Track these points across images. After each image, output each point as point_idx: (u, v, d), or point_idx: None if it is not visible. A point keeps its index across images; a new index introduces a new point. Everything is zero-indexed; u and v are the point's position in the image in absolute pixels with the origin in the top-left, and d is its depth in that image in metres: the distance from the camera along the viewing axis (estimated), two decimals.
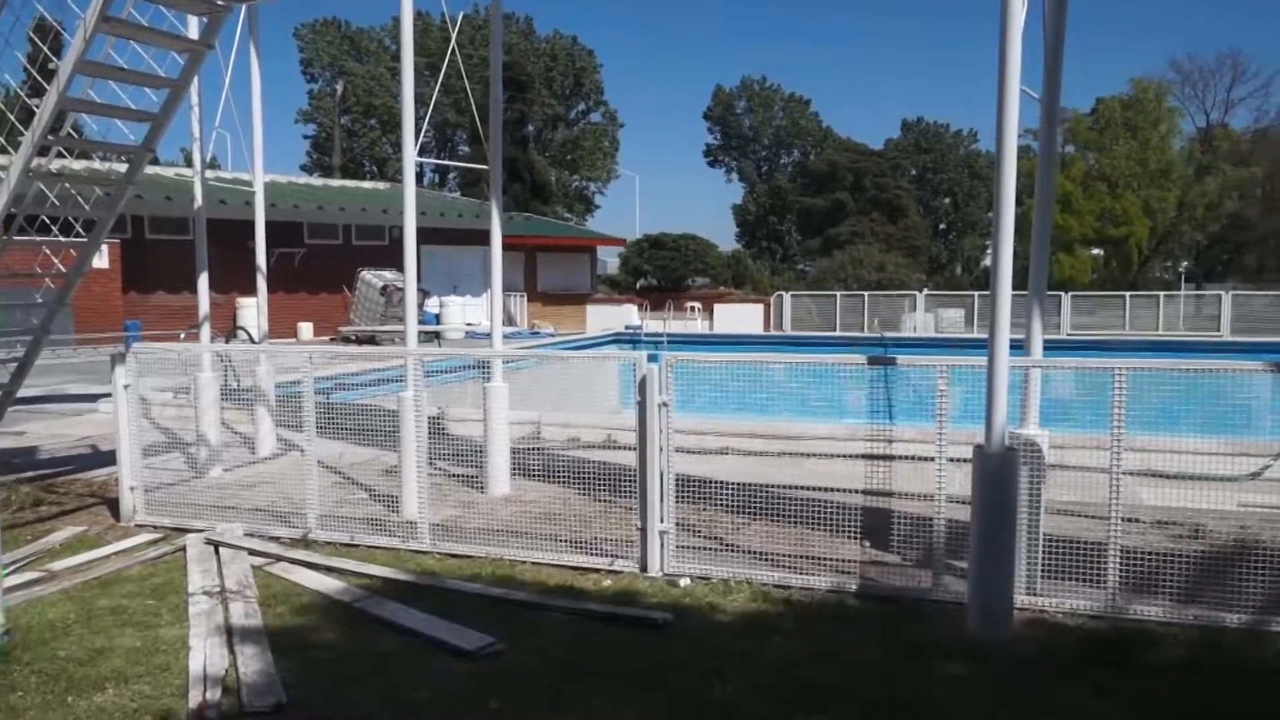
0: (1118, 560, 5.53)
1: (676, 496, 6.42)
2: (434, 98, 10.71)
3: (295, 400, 7.60)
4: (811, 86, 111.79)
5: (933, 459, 5.71)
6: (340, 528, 7.31)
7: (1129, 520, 7.12)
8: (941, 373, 5.58)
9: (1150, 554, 6.13)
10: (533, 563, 6.58)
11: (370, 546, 7.02)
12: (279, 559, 6.69)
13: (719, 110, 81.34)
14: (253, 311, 13.59)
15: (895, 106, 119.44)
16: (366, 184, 40.33)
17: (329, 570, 6.42)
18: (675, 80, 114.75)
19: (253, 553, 6.77)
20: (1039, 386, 5.79)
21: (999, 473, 5.03)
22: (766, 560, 6.43)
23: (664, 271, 40.13)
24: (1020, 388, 5.84)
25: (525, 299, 34.30)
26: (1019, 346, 5.82)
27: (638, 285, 41.94)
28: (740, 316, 33.48)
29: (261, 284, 10.48)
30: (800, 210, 71.87)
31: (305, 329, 27.92)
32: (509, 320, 31.58)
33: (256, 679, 4.60)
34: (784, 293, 34.56)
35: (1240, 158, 51.92)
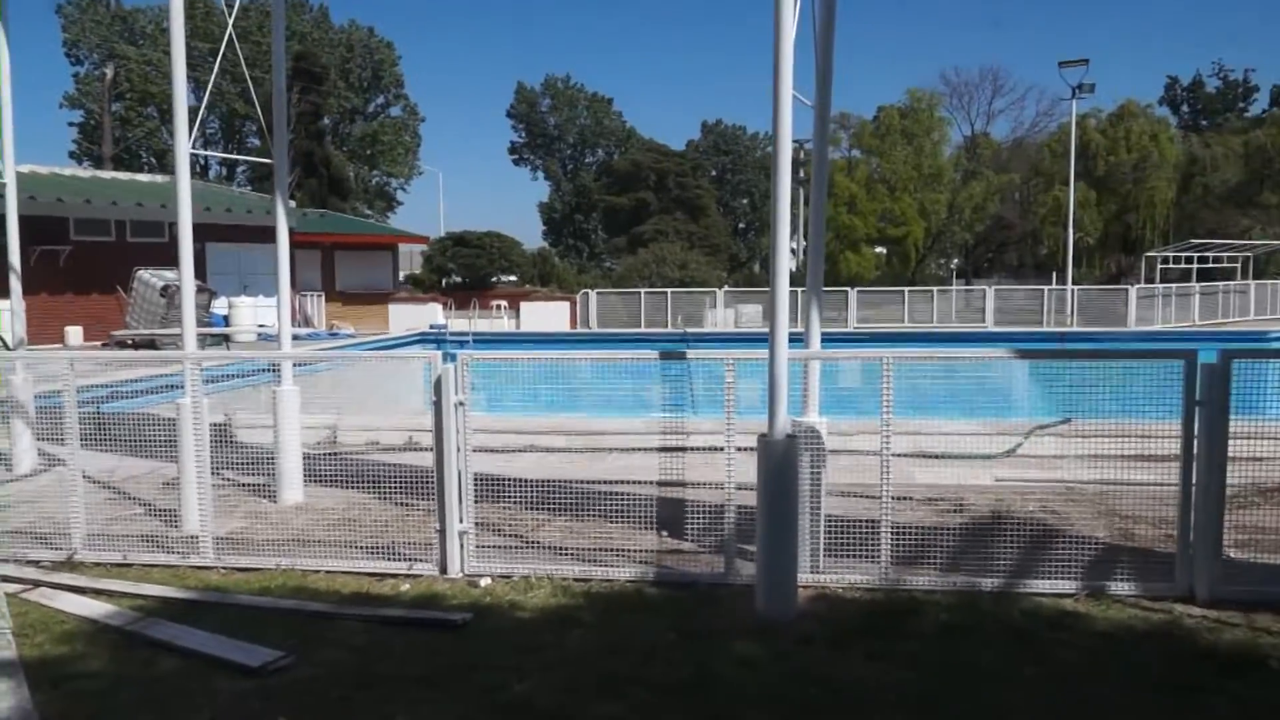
0: (890, 536, 5.96)
1: (477, 496, 6.39)
2: (210, 85, 10.10)
3: (58, 411, 6.99)
4: (614, 87, 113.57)
5: (724, 449, 5.96)
6: (111, 547, 6.79)
7: (902, 499, 7.71)
8: (729, 366, 5.83)
9: (919, 528, 6.66)
10: (327, 572, 6.36)
11: (147, 565, 6.57)
12: (38, 584, 6.14)
13: (523, 108, 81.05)
14: (7, 315, 12.37)
15: (695, 108, 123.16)
16: (143, 176, 37.45)
17: (98, 593, 5.96)
18: (479, 76, 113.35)
19: (5, 579, 6.18)
20: (818, 377, 6.15)
21: (781, 460, 5.31)
22: (568, 555, 6.50)
23: (469, 270, 39.58)
24: (802, 379, 6.19)
25: (323, 299, 32.90)
26: (800, 340, 6.18)
27: (443, 284, 41.17)
28: (547, 314, 33.57)
29: (15, 284, 9.56)
30: (605, 209, 72.73)
31: (74, 333, 25.64)
32: (305, 321, 30.22)
33: (10, 716, 4.21)
34: (590, 291, 34.90)
35: (1001, 164, 56.92)
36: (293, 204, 31.84)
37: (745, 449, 5.92)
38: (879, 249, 52.72)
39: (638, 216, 66.11)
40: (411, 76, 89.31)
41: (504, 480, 7.47)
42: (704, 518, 6.57)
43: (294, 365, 8.25)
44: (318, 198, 46.05)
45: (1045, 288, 34.27)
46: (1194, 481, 5.60)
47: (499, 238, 40.74)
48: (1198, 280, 35.98)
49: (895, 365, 5.85)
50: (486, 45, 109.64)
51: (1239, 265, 39.72)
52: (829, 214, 49.00)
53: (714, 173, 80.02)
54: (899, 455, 8.28)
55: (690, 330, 30.01)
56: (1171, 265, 39.01)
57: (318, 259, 34.34)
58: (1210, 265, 39.23)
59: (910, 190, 50.06)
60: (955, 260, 59.46)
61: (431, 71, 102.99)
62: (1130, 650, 4.97)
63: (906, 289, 35.08)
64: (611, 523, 6.90)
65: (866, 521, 6.07)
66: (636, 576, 6.13)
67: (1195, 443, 5.57)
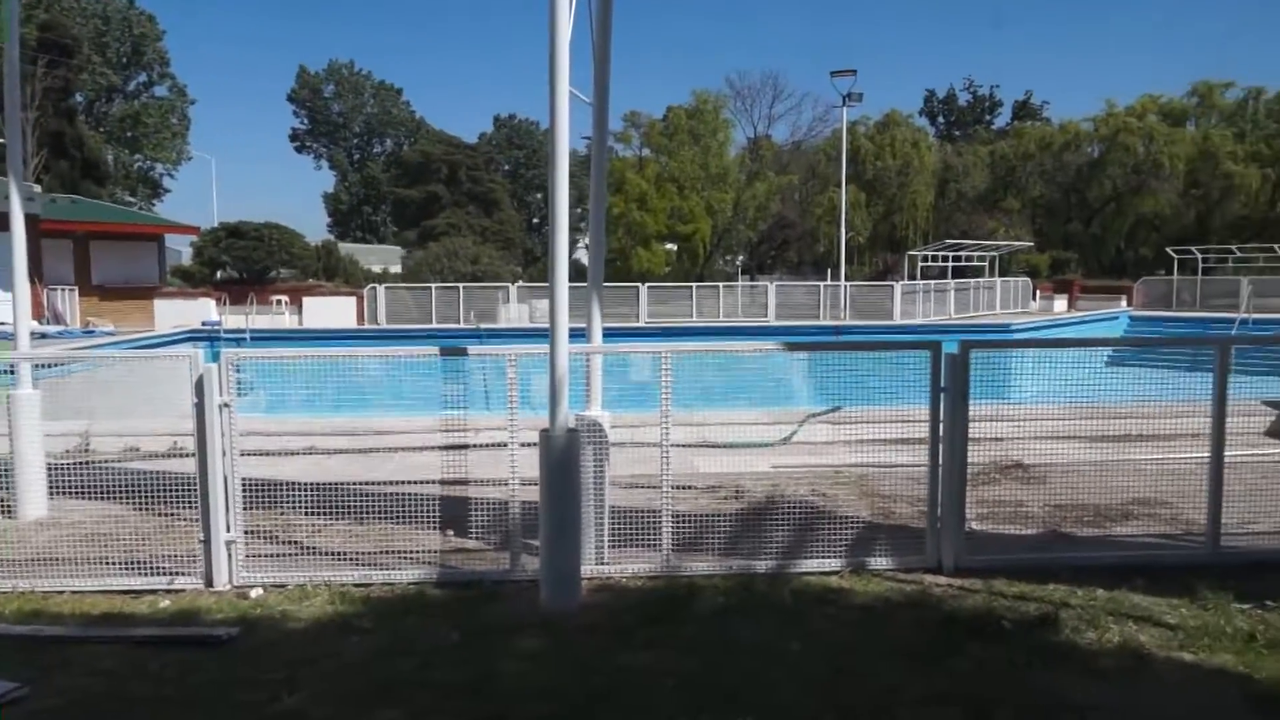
0: (671, 525, 6.14)
1: (248, 503, 6.05)
2: None
3: None
4: (403, 75, 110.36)
5: (508, 445, 5.92)
6: None
7: (684, 488, 7.97)
8: (510, 361, 5.80)
9: (700, 516, 6.90)
10: (74, 592, 5.82)
11: None
12: None
13: (305, 93, 77.32)
14: None
15: (488, 101, 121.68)
16: None
17: None
18: (256, 58, 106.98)
19: None
20: (600, 371, 6.23)
21: (563, 454, 5.35)
22: (348, 560, 6.27)
23: (245, 263, 37.19)
24: (585, 373, 6.25)
25: (77, 293, 30.00)
26: (583, 334, 6.25)
27: (216, 278, 38.55)
28: (332, 310, 32.18)
29: None
30: (395, 201, 70.69)
31: None
32: (56, 318, 27.50)
33: None
34: (378, 285, 33.78)
35: (781, 166, 59.84)
36: (36, 188, 28.91)
37: (530, 444, 5.92)
38: (669, 245, 54.11)
39: (429, 209, 64.68)
40: (181, 55, 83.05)
41: (279, 485, 7.09)
42: (490, 515, 6.52)
43: (37, 367, 7.48)
44: (69, 182, 41.89)
45: (821, 284, 36.34)
46: (940, 462, 6.10)
47: (279, 229, 38.52)
48: (953, 277, 39.29)
49: (674, 359, 6.02)
50: (265, 25, 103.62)
51: (987, 263, 43.70)
52: (621, 211, 50.06)
53: (507, 167, 79.56)
54: (680, 446, 8.55)
55: (484, 326, 29.69)
56: (931, 263, 42.33)
57: (69, 250, 31.23)
58: (963, 263, 42.95)
59: (698, 189, 51.66)
60: (741, 257, 61.97)
61: (204, 51, 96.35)
62: (885, 620, 5.36)
63: (695, 285, 36.20)
64: (395, 524, 6.71)
65: (649, 511, 6.22)
66: (420, 578, 6.00)
67: (940, 426, 6.07)
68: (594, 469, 5.99)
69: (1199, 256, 41.54)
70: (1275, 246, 41.99)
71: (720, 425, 10.09)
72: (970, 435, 7.03)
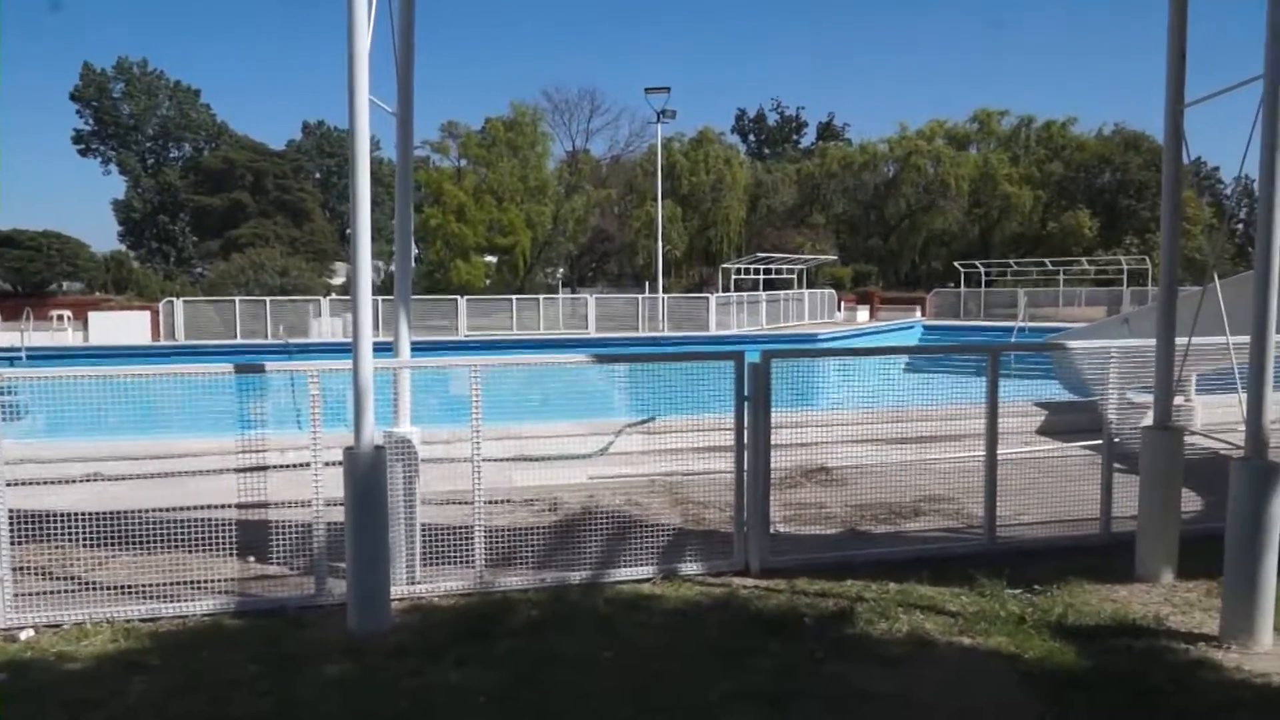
0: (484, 540, 6.08)
1: (18, 537, 5.53)
2: None
3: None
4: (201, 77, 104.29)
5: (311, 465, 5.69)
6: None
7: (500, 502, 7.91)
8: (312, 378, 5.59)
9: (514, 530, 6.86)
10: None
11: None
12: None
13: (91, 92, 71.60)
14: None
15: (296, 107, 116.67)
16: None
17: None
18: (29, 51, 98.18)
19: None
20: (409, 386, 6.09)
21: (369, 472, 5.19)
22: (133, 594, 5.84)
23: (20, 275, 34.10)
24: (392, 388, 6.10)
25: None
26: (389, 348, 6.10)
27: None
28: (123, 326, 29.90)
29: None
30: (195, 210, 66.66)
31: None
32: None
33: None
34: (175, 299, 31.70)
35: (600, 180, 60.60)
36: None
37: (336, 464, 5.72)
38: (489, 258, 53.65)
39: (233, 219, 61.40)
40: None
41: (56, 516, 6.51)
42: (294, 538, 6.23)
43: None
44: None
45: (640, 296, 36.97)
46: (745, 468, 6.34)
47: (58, 238, 35.57)
48: (764, 289, 40.94)
49: (491, 372, 5.98)
50: (42, 17, 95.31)
51: (795, 276, 45.81)
52: (439, 222, 49.22)
53: (318, 175, 76.64)
54: (495, 460, 8.48)
55: (293, 341, 28.39)
56: (744, 275, 43.96)
57: None
58: (774, 276, 44.84)
59: (517, 201, 51.51)
60: (561, 270, 62.23)
61: None
62: (695, 623, 5.51)
63: (515, 297, 36.06)
64: (189, 553, 6.29)
65: (463, 528, 6.13)
66: (216, 609, 5.67)
67: (745, 433, 6.30)
68: (403, 487, 5.85)
69: (982, 270, 45.12)
70: (1047, 261, 46.20)
71: (538, 438, 10.07)
72: (776, 441, 7.33)
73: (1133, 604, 5.73)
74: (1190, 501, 7.27)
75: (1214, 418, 10.24)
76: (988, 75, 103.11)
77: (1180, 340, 6.14)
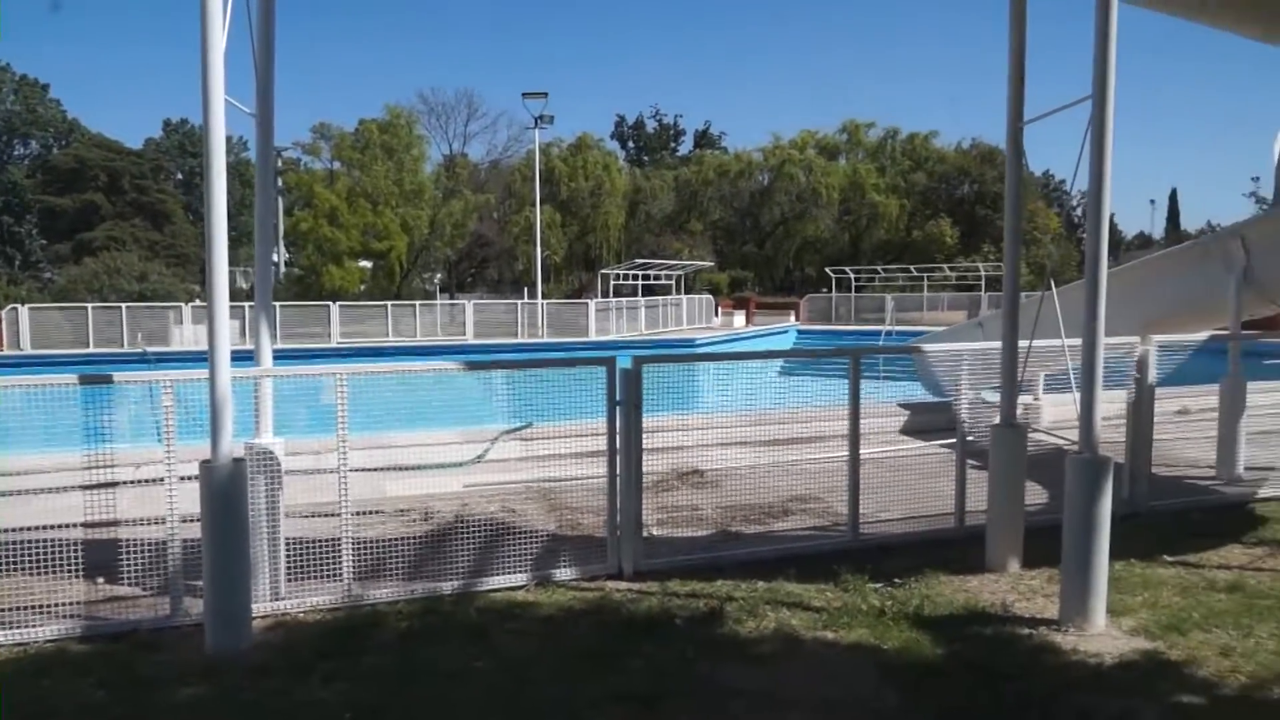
0: (352, 553, 5.94)
1: None
2: None
3: None
4: (49, 71, 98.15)
5: (166, 479, 5.45)
6: None
7: (372, 513, 7.75)
8: (166, 388, 5.36)
9: (385, 541, 6.71)
10: None
11: None
12: None
13: None
14: None
15: (156, 103, 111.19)
16: None
17: None
18: None
19: None
20: (271, 396, 5.90)
21: (227, 485, 5.02)
22: None
23: None
24: (254, 398, 5.90)
25: None
26: (250, 357, 5.90)
27: None
28: None
29: None
30: (44, 210, 62.68)
31: None
32: None
33: None
34: (20, 305, 29.71)
35: (479, 184, 59.92)
36: None
37: (193, 477, 5.49)
38: (364, 263, 52.31)
39: (86, 221, 58.01)
40: None
41: None
42: (148, 557, 5.95)
43: None
44: None
45: (519, 302, 36.78)
46: (618, 472, 6.39)
47: None
48: (643, 295, 41.30)
49: (358, 380, 5.85)
50: None
51: (674, 281, 46.39)
52: (310, 226, 47.69)
53: (180, 176, 73.26)
54: (366, 470, 8.31)
55: (152, 350, 27.02)
56: (623, 281, 44.26)
57: None
58: (653, 282, 45.29)
59: (393, 205, 50.40)
60: (439, 275, 61.23)
61: None
62: (568, 628, 5.53)
63: (390, 303, 35.30)
64: (29, 577, 5.93)
65: (330, 540, 5.98)
66: (61, 634, 5.36)
67: (617, 438, 6.36)
68: (266, 500, 5.66)
69: (852, 276, 46.71)
70: (912, 268, 48.20)
71: (411, 447, 9.89)
72: (651, 445, 7.42)
73: (983, 593, 6.04)
74: (1039, 495, 7.73)
75: (1061, 415, 10.89)
76: (856, 87, 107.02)
77: (1023, 343, 6.52)
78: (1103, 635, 5.31)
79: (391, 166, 50.67)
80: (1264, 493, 8.68)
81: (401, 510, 8.11)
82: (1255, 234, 9.53)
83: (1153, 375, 8.14)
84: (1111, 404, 8.70)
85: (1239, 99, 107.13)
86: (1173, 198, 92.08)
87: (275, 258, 55.61)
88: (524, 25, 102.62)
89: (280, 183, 53.48)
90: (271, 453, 5.72)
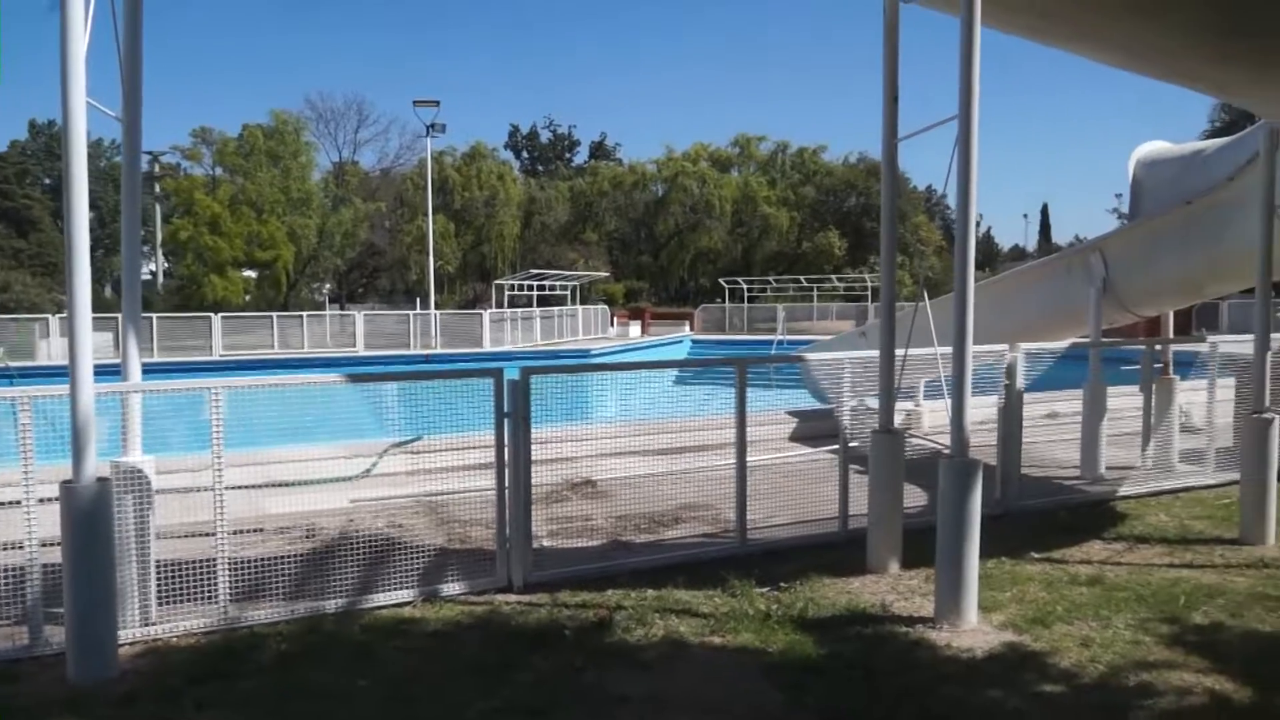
0: (229, 573, 5.74)
1: None
2: None
3: None
4: None
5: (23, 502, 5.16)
6: None
7: (250, 531, 7.50)
8: (24, 405, 5.08)
9: (265, 560, 6.50)
10: None
11: None
12: None
13: None
14: None
15: (20, 103, 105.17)
16: None
17: None
18: None
19: None
20: (140, 412, 5.66)
21: (90, 507, 4.78)
22: None
23: None
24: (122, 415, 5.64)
25: None
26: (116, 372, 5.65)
27: None
28: None
29: None
30: None
31: None
32: None
33: None
34: None
35: (370, 193, 58.67)
36: None
37: (55, 499, 5.22)
38: (248, 273, 50.58)
39: None
40: None
41: None
42: (5, 584, 5.61)
43: None
44: None
45: (412, 313, 36.12)
46: (506, 484, 6.35)
47: None
48: (538, 305, 41.13)
49: (235, 393, 5.66)
50: None
51: (569, 292, 46.36)
52: (190, 235, 45.86)
53: (49, 181, 69.38)
54: (242, 487, 8.03)
55: (13, 364, 25.48)
56: (519, 291, 43.97)
57: None
58: (548, 292, 45.16)
59: (279, 213, 48.91)
60: (328, 285, 59.69)
61: None
62: (455, 644, 5.46)
63: (277, 314, 34.23)
64: None
65: (207, 561, 5.76)
66: None
67: (506, 450, 6.32)
68: (135, 521, 5.42)
69: (744, 286, 47.54)
70: (802, 279, 49.38)
71: (295, 462, 9.61)
72: (543, 456, 7.39)
73: (864, 594, 6.23)
74: (919, 497, 8.00)
75: (941, 420, 11.32)
76: (747, 101, 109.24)
77: (900, 352, 6.77)
78: (974, 630, 5.54)
79: (278, 173, 49.20)
80: (1124, 491, 9.20)
81: (283, 528, 7.88)
82: (1113, 247, 10.13)
83: (1021, 381, 8.54)
84: (984, 409, 9.12)
85: (1106, 118, 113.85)
86: (1044, 212, 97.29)
87: (153, 267, 53.31)
88: (417, 32, 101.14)
89: (158, 189, 51.30)
90: (141, 471, 5.48)
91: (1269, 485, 7.46)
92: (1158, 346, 10.38)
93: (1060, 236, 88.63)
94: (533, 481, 6.58)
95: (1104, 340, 10.35)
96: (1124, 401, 11.16)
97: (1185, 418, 10.72)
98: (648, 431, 10.66)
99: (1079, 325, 10.68)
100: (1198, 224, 9.17)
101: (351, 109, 59.75)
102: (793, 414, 12.29)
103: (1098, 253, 10.08)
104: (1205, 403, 10.04)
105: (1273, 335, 8.12)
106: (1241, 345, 8.80)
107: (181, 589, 5.68)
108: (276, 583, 6.15)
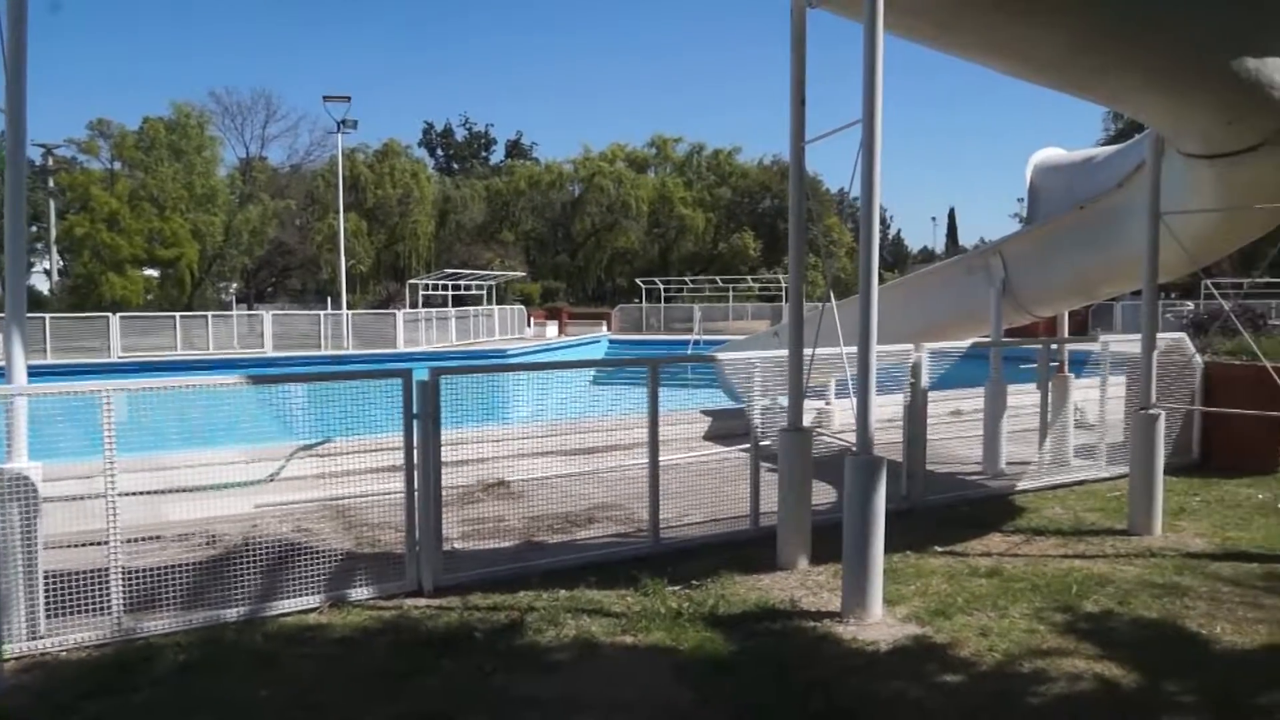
0: (123, 583, 5.52)
1: None
2: None
3: None
4: None
5: None
6: None
7: (148, 539, 7.23)
8: None
9: (161, 569, 6.27)
10: None
11: None
12: None
13: None
14: None
15: None
16: None
17: None
18: None
19: None
20: (25, 416, 5.39)
21: None
22: None
23: None
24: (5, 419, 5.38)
25: None
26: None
27: None
28: None
29: None
30: None
31: None
32: None
33: None
34: None
35: (279, 189, 57.15)
36: None
37: None
38: (150, 271, 48.74)
39: None
40: None
41: None
42: None
43: None
44: None
45: (323, 313, 35.32)
46: (416, 486, 6.26)
47: None
48: (454, 305, 40.65)
49: (130, 396, 5.45)
50: None
51: (485, 292, 45.92)
52: (86, 231, 43.95)
53: None
54: (141, 494, 7.74)
55: None
56: (434, 292, 43.38)
57: None
58: (464, 292, 44.66)
59: (182, 210, 47.26)
60: (235, 285, 57.98)
61: None
62: (362, 650, 5.35)
63: (180, 315, 33.10)
64: None
65: (97, 571, 5.53)
66: None
67: (415, 452, 6.23)
68: (20, 530, 5.17)
69: (661, 287, 47.79)
70: (718, 279, 49.88)
71: (197, 467, 9.30)
72: (457, 457, 7.31)
73: (774, 590, 6.32)
74: (829, 494, 8.16)
75: (851, 419, 11.56)
76: (664, 103, 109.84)
77: (808, 351, 6.89)
78: (879, 624, 5.67)
79: (180, 168, 47.57)
80: (1022, 485, 9.53)
81: (183, 535, 7.62)
82: (1011, 250, 10.49)
83: (926, 380, 8.77)
84: (891, 407, 9.35)
85: (1013, 125, 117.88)
86: (951, 215, 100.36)
87: (46, 265, 50.92)
88: (327, 26, 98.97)
89: (51, 183, 49.05)
90: (26, 478, 5.23)
91: (1155, 478, 7.82)
92: (1054, 346, 10.77)
93: (967, 239, 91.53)
94: (446, 483, 6.50)
95: (1004, 340, 10.71)
96: (1023, 399, 11.58)
97: (1080, 414, 11.18)
98: (563, 432, 10.64)
99: (981, 325, 11.04)
100: (1090, 228, 9.56)
101: (259, 103, 58.16)
102: (707, 413, 12.40)
103: (997, 255, 10.42)
104: (1098, 399, 10.48)
105: (1159, 335, 8.53)
106: (1130, 344, 9.20)
107: (72, 600, 5.45)
108: (174, 592, 5.93)
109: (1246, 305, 22.51)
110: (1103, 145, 15.35)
